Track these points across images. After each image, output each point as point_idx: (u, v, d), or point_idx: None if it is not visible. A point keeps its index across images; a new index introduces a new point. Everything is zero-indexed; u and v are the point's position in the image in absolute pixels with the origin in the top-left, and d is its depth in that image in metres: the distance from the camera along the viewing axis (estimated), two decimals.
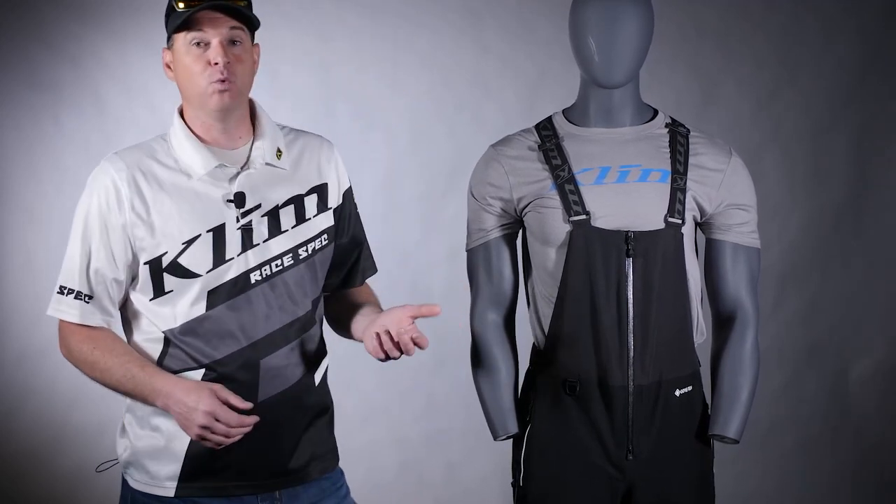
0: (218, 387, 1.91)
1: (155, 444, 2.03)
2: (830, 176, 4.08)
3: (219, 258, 1.97)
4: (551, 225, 2.18)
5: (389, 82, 3.94)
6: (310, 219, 2.07)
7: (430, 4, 3.94)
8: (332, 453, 2.17)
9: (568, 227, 2.17)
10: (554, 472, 2.23)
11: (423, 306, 1.93)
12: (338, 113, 3.86)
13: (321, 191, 2.10)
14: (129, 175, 1.98)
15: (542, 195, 2.20)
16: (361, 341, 2.06)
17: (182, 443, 2.00)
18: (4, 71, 3.82)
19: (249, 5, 2.00)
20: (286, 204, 2.05)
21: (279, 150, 2.07)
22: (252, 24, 2.00)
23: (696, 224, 2.28)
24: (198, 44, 1.95)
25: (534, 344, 2.30)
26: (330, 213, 2.11)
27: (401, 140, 3.96)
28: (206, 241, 1.97)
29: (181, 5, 1.95)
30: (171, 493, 2.02)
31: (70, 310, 2.00)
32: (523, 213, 2.25)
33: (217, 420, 1.88)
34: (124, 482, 2.10)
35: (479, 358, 2.31)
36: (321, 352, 2.15)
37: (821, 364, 4.15)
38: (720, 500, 2.37)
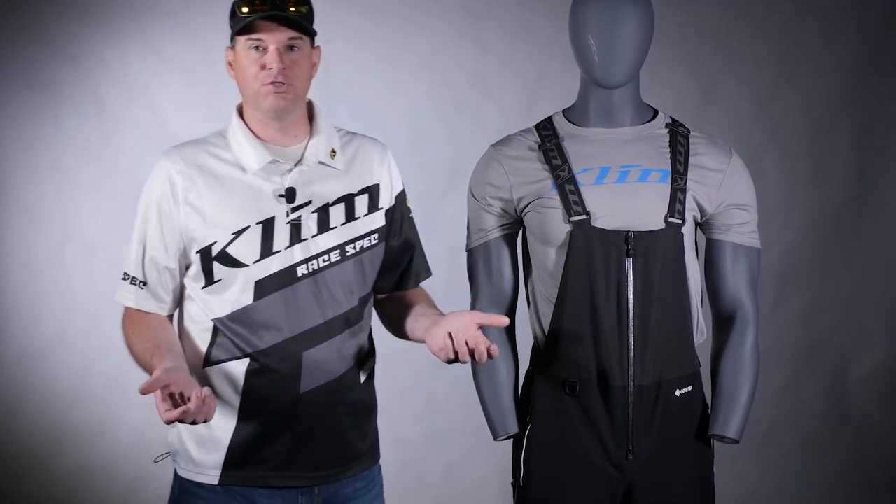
0: (177, 377, 1.87)
1: (200, 432, 2.07)
2: (830, 176, 4.08)
3: (266, 250, 2.03)
4: (551, 225, 2.19)
5: (389, 82, 3.94)
6: (359, 217, 2.12)
7: (430, 4, 3.94)
8: (372, 451, 2.21)
9: (568, 227, 2.17)
10: (554, 472, 2.23)
11: (491, 316, 1.97)
12: (338, 113, 3.85)
13: (372, 191, 2.15)
14: (184, 168, 2.05)
15: (543, 195, 2.20)
16: (421, 341, 2.10)
17: (227, 432, 2.05)
18: (4, 71, 3.82)
19: (309, 12, 2.05)
20: (337, 202, 2.10)
21: (333, 151, 2.12)
22: (308, 33, 2.04)
23: (697, 224, 2.28)
24: (256, 48, 2.01)
25: (534, 344, 2.30)
26: (381, 214, 2.16)
27: (401, 140, 3.96)
28: (255, 233, 2.03)
29: (244, 10, 2.00)
30: (216, 481, 2.06)
31: (127, 294, 2.11)
32: (523, 213, 2.25)
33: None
34: (175, 473, 2.15)
35: None
36: (368, 351, 2.18)
37: (821, 364, 4.15)
38: (720, 500, 2.37)
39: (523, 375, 2.34)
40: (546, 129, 2.27)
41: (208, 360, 2.06)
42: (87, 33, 3.83)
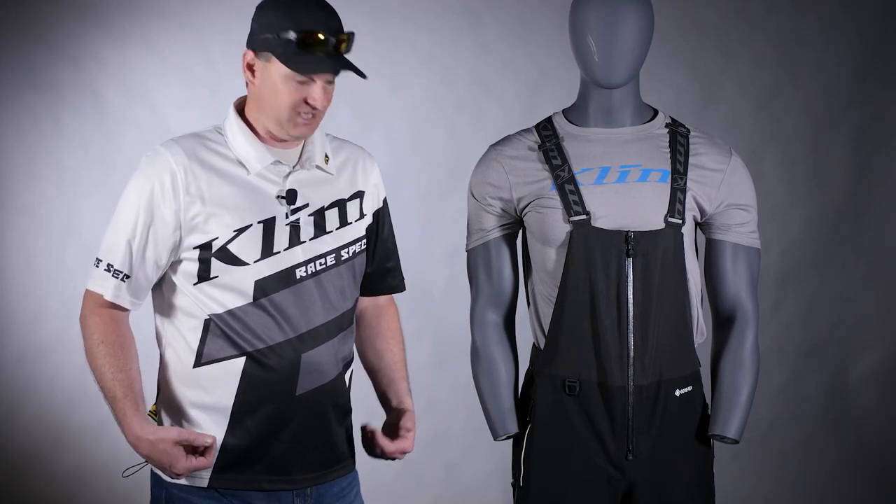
0: (175, 433, 1.98)
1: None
2: (830, 176, 4.09)
3: (267, 250, 2.02)
4: (551, 225, 2.18)
5: (389, 82, 3.94)
6: (351, 223, 2.12)
7: (430, 4, 3.95)
8: (352, 452, 2.21)
9: (568, 227, 2.17)
10: (554, 472, 2.23)
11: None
12: (338, 113, 3.85)
13: (361, 198, 2.16)
14: (185, 161, 2.01)
15: (542, 195, 2.20)
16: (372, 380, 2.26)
17: (218, 433, 2.03)
18: (4, 71, 3.82)
19: (352, 38, 2.01)
20: (331, 206, 2.10)
21: (326, 156, 2.13)
22: (362, 75, 2.01)
23: (696, 224, 2.27)
24: (300, 81, 1.98)
25: (534, 344, 2.30)
26: (367, 221, 2.17)
27: (401, 140, 3.97)
28: (257, 232, 2.01)
29: (301, 45, 1.94)
30: (205, 484, 2.04)
31: (104, 284, 2.02)
32: (523, 213, 2.25)
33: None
34: (155, 479, 2.10)
35: (479, 358, 2.31)
36: (352, 354, 2.19)
37: (821, 364, 4.15)
38: (720, 500, 2.37)
39: (523, 375, 2.34)
40: (546, 129, 2.27)
41: (200, 358, 2.03)
42: (87, 33, 3.83)
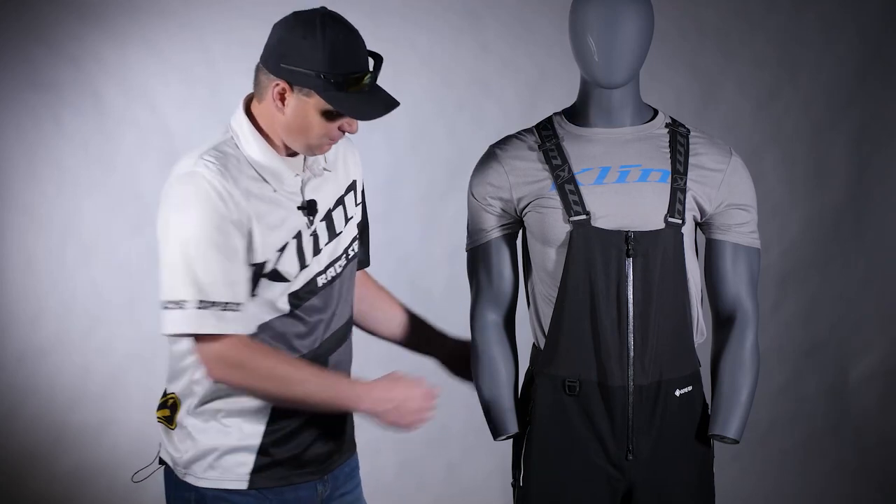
0: (399, 375, 2.02)
1: (226, 440, 2.06)
2: (830, 176, 4.09)
3: (301, 263, 2.03)
4: (551, 225, 2.18)
5: (389, 82, 3.93)
6: (351, 218, 2.15)
7: (430, 4, 3.95)
8: (354, 437, 2.28)
9: (568, 228, 2.17)
10: (554, 472, 2.23)
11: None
12: None
13: (353, 187, 2.18)
14: (224, 183, 1.92)
15: (543, 195, 2.20)
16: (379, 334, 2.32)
17: (256, 436, 2.06)
18: (4, 71, 3.82)
19: (380, 65, 2.00)
20: (335, 206, 2.12)
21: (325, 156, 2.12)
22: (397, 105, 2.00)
23: (696, 224, 2.27)
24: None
25: (534, 344, 2.30)
26: (360, 208, 2.21)
27: (401, 140, 3.97)
28: (293, 248, 2.01)
29: (345, 85, 1.91)
30: (245, 486, 2.07)
31: (231, 324, 1.92)
32: (523, 213, 2.25)
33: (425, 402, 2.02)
34: (181, 484, 2.11)
35: (479, 358, 2.31)
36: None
37: (821, 364, 4.15)
38: (720, 500, 2.37)
39: (523, 375, 2.34)
40: (546, 129, 2.27)
41: None
42: (87, 33, 3.83)
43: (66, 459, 3.89)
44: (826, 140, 4.07)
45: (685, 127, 2.29)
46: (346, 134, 2.02)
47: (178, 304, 1.90)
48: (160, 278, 1.94)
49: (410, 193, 3.96)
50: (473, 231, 2.32)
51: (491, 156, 2.29)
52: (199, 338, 1.94)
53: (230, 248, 1.91)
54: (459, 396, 3.45)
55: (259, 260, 1.97)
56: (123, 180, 3.92)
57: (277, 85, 1.93)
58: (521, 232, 2.32)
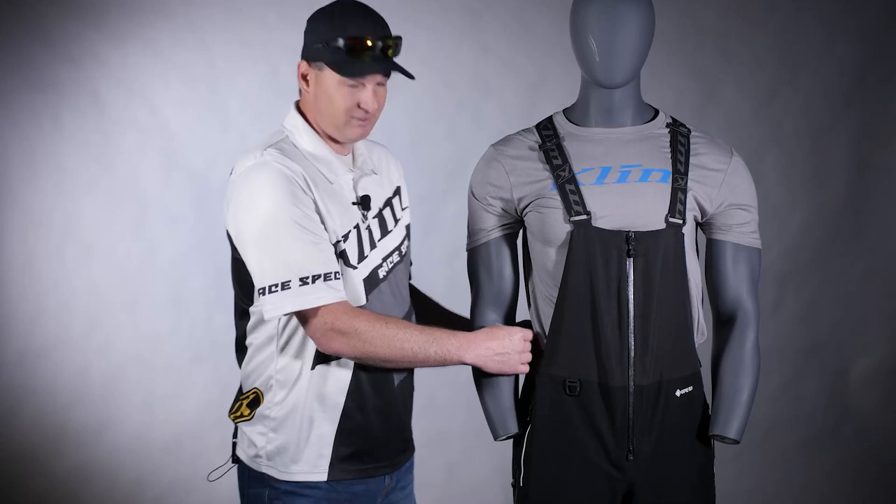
0: (497, 325, 2.16)
1: (305, 434, 2.11)
2: (830, 176, 4.09)
3: (361, 254, 2.11)
4: (552, 225, 2.18)
5: (390, 82, 3.94)
6: (400, 219, 2.26)
7: (430, 4, 3.95)
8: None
9: (569, 228, 2.17)
10: (554, 472, 2.23)
11: None
12: None
13: (399, 193, 2.29)
14: (291, 173, 2.02)
15: (543, 195, 2.20)
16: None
17: (331, 429, 2.11)
18: (4, 71, 3.82)
19: (399, 42, 2.07)
20: (385, 206, 2.22)
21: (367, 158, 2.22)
22: (410, 76, 2.09)
23: (697, 224, 2.27)
24: (352, 84, 2.05)
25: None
26: (408, 212, 2.31)
27: (401, 140, 3.96)
28: (354, 238, 2.11)
29: (349, 51, 2.01)
30: (324, 477, 2.11)
31: (335, 292, 2.00)
32: (524, 213, 2.25)
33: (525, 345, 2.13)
34: (256, 480, 2.15)
35: None
36: None
37: (821, 364, 4.15)
38: (720, 499, 2.37)
39: (523, 375, 2.34)
40: (546, 129, 2.27)
41: (319, 358, 2.08)
42: (87, 33, 3.83)
43: (66, 459, 3.89)
44: (826, 140, 4.07)
45: (686, 127, 2.28)
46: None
47: (282, 286, 1.97)
48: (253, 268, 2.01)
49: (410, 193, 3.96)
50: (474, 231, 2.32)
51: (491, 156, 2.29)
52: (307, 314, 2.00)
53: (313, 222, 2.01)
54: (459, 396, 3.44)
55: (332, 241, 2.06)
56: (123, 180, 3.92)
57: (300, 66, 2.08)
58: (521, 232, 2.32)
